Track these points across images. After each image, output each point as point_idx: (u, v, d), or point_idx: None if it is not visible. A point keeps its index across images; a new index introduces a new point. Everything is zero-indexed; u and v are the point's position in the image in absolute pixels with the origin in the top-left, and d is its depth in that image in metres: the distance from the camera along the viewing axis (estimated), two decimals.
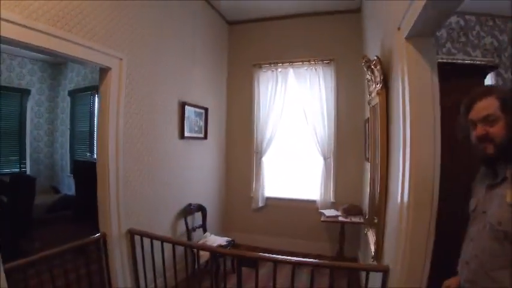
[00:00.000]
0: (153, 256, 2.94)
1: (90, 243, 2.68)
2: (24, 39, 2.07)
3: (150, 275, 3.03)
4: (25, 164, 6.73)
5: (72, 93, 7.10)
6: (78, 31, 2.48)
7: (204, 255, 3.66)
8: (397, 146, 2.15)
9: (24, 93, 6.72)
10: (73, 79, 7.12)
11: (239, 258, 2.50)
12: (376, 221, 2.88)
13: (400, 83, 2.00)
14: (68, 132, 7.17)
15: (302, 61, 4.85)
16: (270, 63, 5.03)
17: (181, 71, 4.03)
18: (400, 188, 1.97)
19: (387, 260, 2.35)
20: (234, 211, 5.43)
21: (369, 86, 3.18)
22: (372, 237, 2.95)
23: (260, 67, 5.12)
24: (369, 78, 3.01)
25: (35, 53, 6.19)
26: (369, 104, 3.19)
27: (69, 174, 7.02)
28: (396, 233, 2.03)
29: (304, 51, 4.90)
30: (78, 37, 2.46)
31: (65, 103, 7.28)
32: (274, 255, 2.48)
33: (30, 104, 6.86)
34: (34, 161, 7.00)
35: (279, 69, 4.99)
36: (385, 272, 2.22)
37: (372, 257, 2.68)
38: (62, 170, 7.36)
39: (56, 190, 7.04)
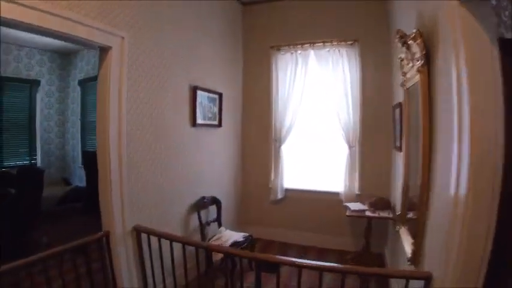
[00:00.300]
0: (162, 254, 2.67)
1: (92, 242, 2.43)
2: (17, 17, 1.84)
3: (158, 274, 2.79)
4: (35, 155, 6.60)
5: (82, 83, 6.92)
6: (74, 7, 2.19)
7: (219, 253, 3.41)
8: (444, 128, 1.83)
9: (34, 84, 6.57)
10: (83, 68, 6.92)
11: (258, 262, 2.18)
12: (410, 216, 2.56)
13: (453, 55, 1.65)
14: (78, 123, 7.01)
15: (323, 42, 4.45)
16: (288, 45, 4.65)
17: (192, 54, 3.71)
18: (455, 172, 1.62)
19: (428, 263, 2.03)
20: (251, 204, 5.14)
21: (402, 66, 2.81)
22: (406, 236, 2.61)
23: (278, 49, 4.74)
24: (403, 56, 2.64)
25: (43, 43, 6.14)
26: (403, 86, 2.81)
27: (80, 166, 6.87)
28: (447, 225, 1.69)
29: (325, 31, 4.48)
30: (74, 14, 2.18)
31: (75, 93, 7.11)
32: (298, 260, 2.13)
33: (40, 95, 6.73)
34: (45, 152, 6.88)
35: (299, 51, 4.60)
36: (428, 279, 1.89)
37: (408, 260, 2.35)
38: (73, 161, 7.22)
39: (67, 182, 6.91)
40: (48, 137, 6.98)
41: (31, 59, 6.51)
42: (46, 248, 4.13)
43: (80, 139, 7.01)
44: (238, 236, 3.70)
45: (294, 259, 2.16)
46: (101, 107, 2.50)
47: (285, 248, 4.63)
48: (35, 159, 6.60)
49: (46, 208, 5.21)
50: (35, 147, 6.61)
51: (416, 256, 2.24)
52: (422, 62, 2.10)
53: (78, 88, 6.99)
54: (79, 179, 6.85)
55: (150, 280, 2.78)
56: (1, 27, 1.93)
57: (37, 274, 2.13)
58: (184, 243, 2.44)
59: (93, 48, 2.53)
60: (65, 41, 2.30)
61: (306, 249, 4.58)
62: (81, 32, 2.23)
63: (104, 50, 2.50)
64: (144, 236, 2.68)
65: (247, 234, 3.82)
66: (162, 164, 3.20)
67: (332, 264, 2.28)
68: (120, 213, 2.56)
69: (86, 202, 5.66)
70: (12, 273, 1.95)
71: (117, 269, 2.57)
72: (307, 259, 4.18)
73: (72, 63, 7.13)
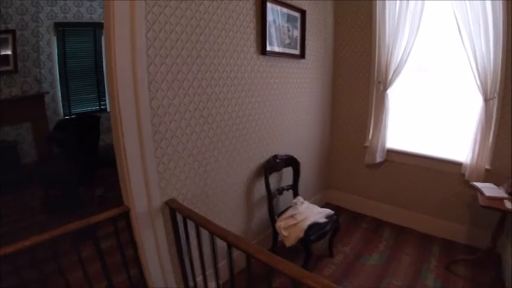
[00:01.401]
0: (200, 241, 1.86)
1: (104, 222, 1.66)
2: None
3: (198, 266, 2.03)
4: (105, 100, 6.30)
5: None
6: None
7: (290, 238, 2.54)
8: None
9: (97, 27, 6.07)
10: None
11: None
12: None
13: None
14: None
15: None
16: None
17: None
18: None
19: None
20: (340, 166, 4.05)
21: None
22: None
23: None
24: None
25: None
26: None
27: None
28: None
29: None
30: None
31: None
32: None
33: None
34: None
35: None
36: None
37: None
38: None
39: None
40: None
41: (92, 1, 5.96)
42: (99, 201, 3.81)
43: None
44: (319, 215, 2.71)
45: None
46: (107, 29, 1.61)
47: (377, 227, 3.58)
48: (104, 104, 6.31)
49: (109, 155, 4.87)
50: (104, 91, 6.29)
51: None
52: None
53: None
54: None
55: (190, 276, 2.02)
56: None
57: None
58: (230, 243, 1.43)
59: None
60: None
61: (404, 231, 3.47)
62: None
63: None
64: (180, 216, 1.86)
65: (331, 212, 2.81)
66: (210, 110, 2.27)
67: None
68: (141, 183, 1.74)
69: None
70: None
71: (143, 259, 1.83)
72: (405, 246, 3.20)
73: None
